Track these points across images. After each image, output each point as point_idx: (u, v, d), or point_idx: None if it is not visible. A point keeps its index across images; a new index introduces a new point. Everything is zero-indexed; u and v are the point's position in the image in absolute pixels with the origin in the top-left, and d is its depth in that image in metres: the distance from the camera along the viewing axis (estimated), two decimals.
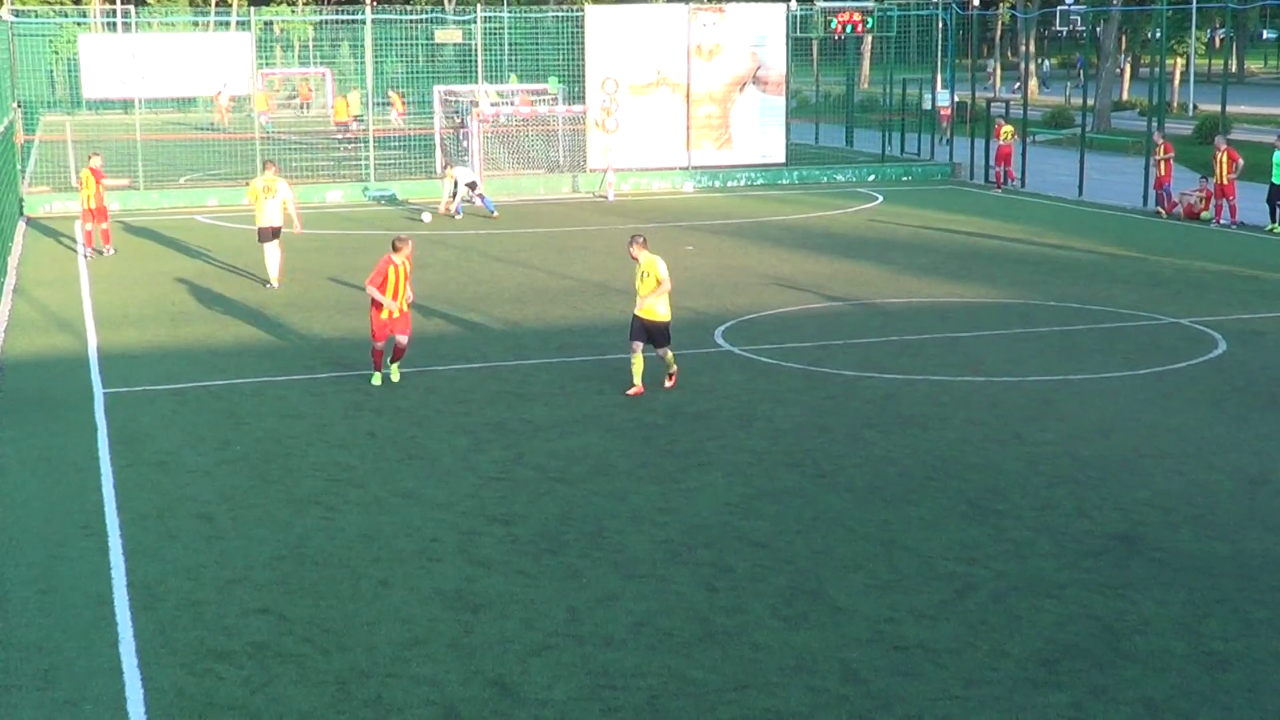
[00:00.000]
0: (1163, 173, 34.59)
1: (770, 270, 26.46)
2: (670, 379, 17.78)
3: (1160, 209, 34.46)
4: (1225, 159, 31.92)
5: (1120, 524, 12.95)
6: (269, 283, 25.07)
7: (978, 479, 14.23)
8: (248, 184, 27.75)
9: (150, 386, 18.16)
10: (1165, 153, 34.24)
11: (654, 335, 17.49)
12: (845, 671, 10.02)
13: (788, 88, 42.86)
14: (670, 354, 17.70)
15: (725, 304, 23.14)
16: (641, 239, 17.81)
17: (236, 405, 17.18)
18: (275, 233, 25.10)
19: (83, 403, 17.41)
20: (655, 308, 17.37)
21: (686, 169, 40.90)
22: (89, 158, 29.94)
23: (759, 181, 41.49)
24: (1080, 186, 38.04)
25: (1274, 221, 31.70)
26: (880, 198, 38.38)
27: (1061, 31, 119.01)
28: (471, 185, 34.40)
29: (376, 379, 18.13)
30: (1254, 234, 31.27)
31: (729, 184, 41.03)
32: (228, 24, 73.39)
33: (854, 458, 14.90)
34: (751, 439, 15.65)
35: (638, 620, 10.84)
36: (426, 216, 32.85)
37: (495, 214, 33.97)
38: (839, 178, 42.48)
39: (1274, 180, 31.62)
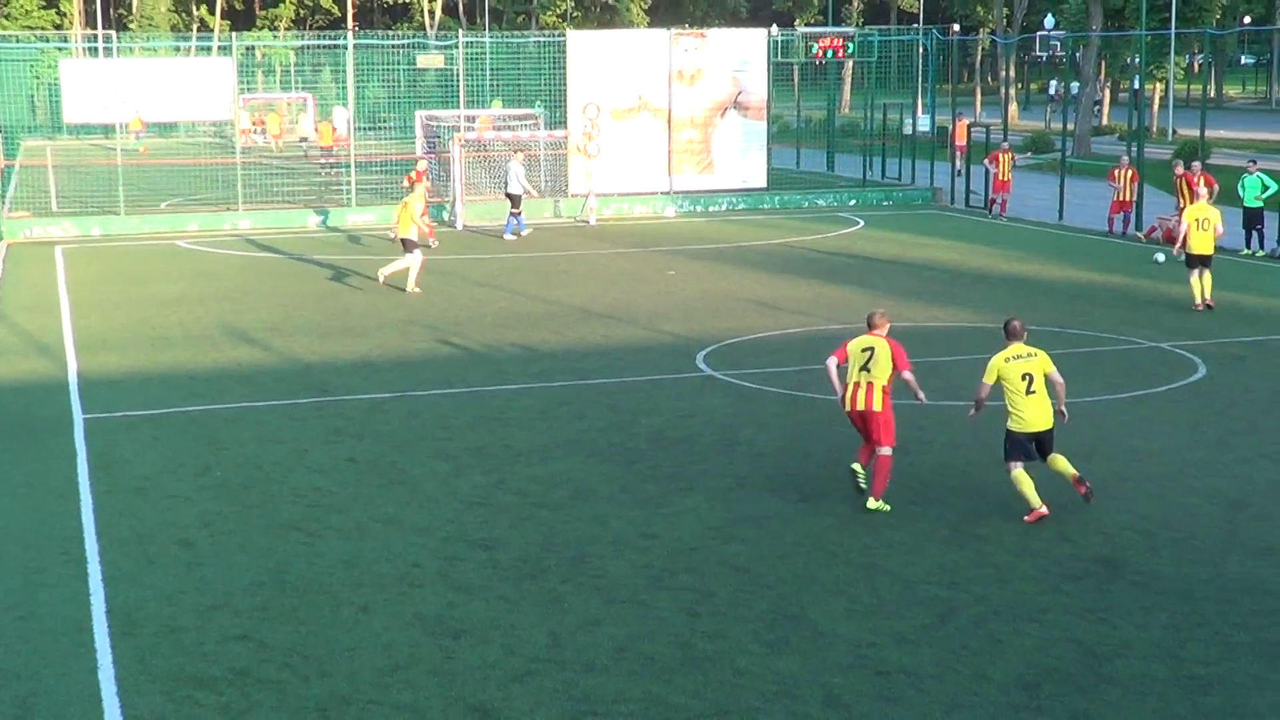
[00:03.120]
0: (1125, 197, 34.80)
1: (752, 295, 26.50)
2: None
3: (1139, 234, 34.62)
4: (1184, 184, 32.06)
5: (1101, 548, 12.97)
6: (406, 289, 26.59)
7: (959, 503, 14.25)
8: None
9: (130, 412, 18.11)
10: (1129, 179, 34.52)
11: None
12: (827, 697, 10.01)
13: (769, 113, 43.01)
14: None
15: (707, 328, 23.16)
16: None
17: (217, 430, 17.14)
18: (404, 244, 26.96)
19: (62, 428, 17.35)
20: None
21: (668, 194, 40.97)
22: None
23: (740, 206, 41.57)
24: (1060, 211, 38.18)
25: (1248, 246, 31.86)
26: (861, 222, 38.48)
27: (1041, 57, 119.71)
28: (514, 200, 34.91)
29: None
30: (1231, 258, 31.40)
31: (710, 209, 41.10)
32: (209, 49, 73.38)
33: (835, 482, 14.89)
34: (733, 463, 15.65)
35: (619, 645, 10.82)
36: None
37: (521, 233, 34.74)
38: (820, 202, 42.58)
39: (1246, 204, 31.80)
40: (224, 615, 11.41)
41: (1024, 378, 13.65)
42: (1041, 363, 13.76)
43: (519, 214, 35.26)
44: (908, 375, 14.01)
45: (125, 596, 11.83)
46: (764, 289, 27.26)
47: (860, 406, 13.91)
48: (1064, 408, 13.93)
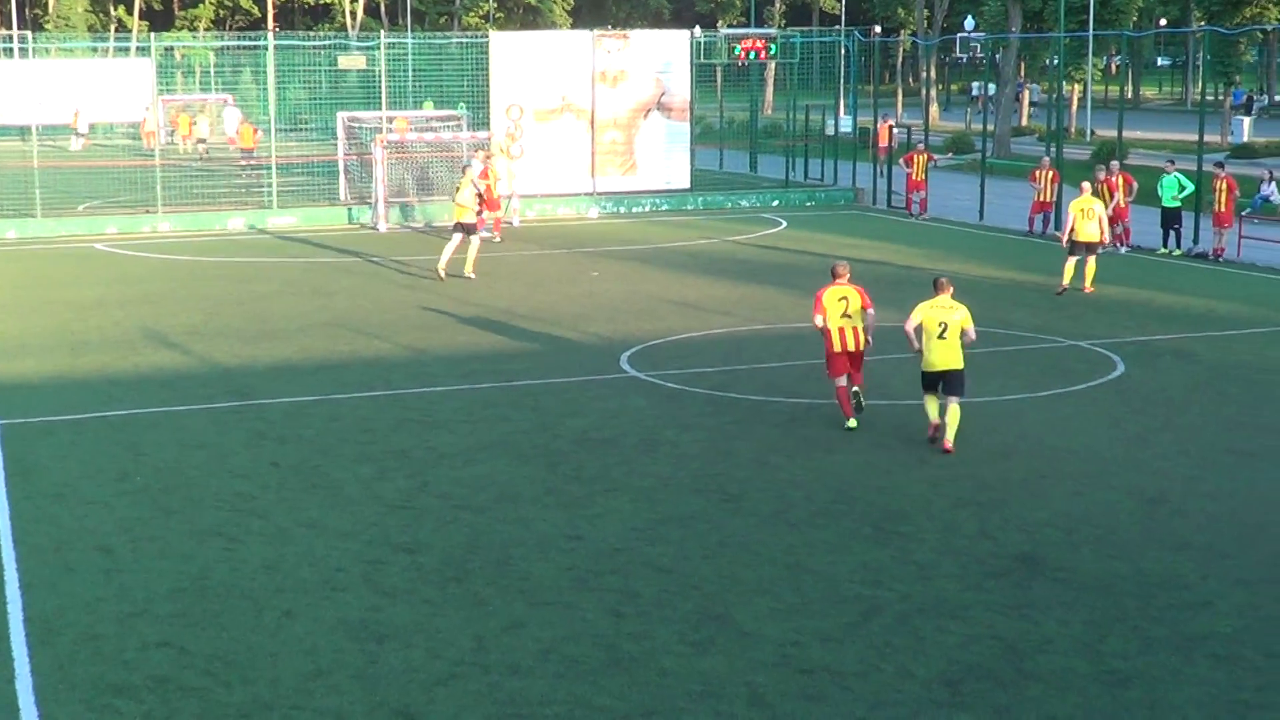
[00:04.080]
0: (1046, 198, 35.20)
1: (675, 295, 26.54)
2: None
3: (1059, 234, 34.97)
4: (1105, 189, 32.48)
5: (1022, 545, 13.10)
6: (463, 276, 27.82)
7: (882, 502, 14.34)
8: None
9: (48, 417, 17.86)
10: (1049, 179, 34.94)
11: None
12: (752, 696, 10.04)
13: (692, 114, 43.08)
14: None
15: (630, 329, 23.18)
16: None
17: (136, 436, 16.94)
18: (462, 227, 28.16)
19: None
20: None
21: (591, 195, 40.96)
22: None
23: (664, 207, 41.62)
24: (981, 211, 38.52)
25: (1165, 245, 32.29)
26: (784, 223, 38.65)
27: (962, 58, 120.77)
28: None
29: None
30: (1148, 257, 31.83)
31: (634, 210, 41.13)
32: (128, 50, 72.55)
33: (759, 482, 14.96)
34: (657, 464, 15.66)
35: (544, 648, 10.80)
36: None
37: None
38: (743, 203, 42.72)
39: (1164, 204, 32.25)
40: (144, 622, 11.28)
41: (939, 325, 16.09)
42: (962, 319, 16.18)
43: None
44: (871, 312, 16.79)
45: (43, 604, 11.67)
46: (688, 290, 27.31)
47: (851, 347, 16.67)
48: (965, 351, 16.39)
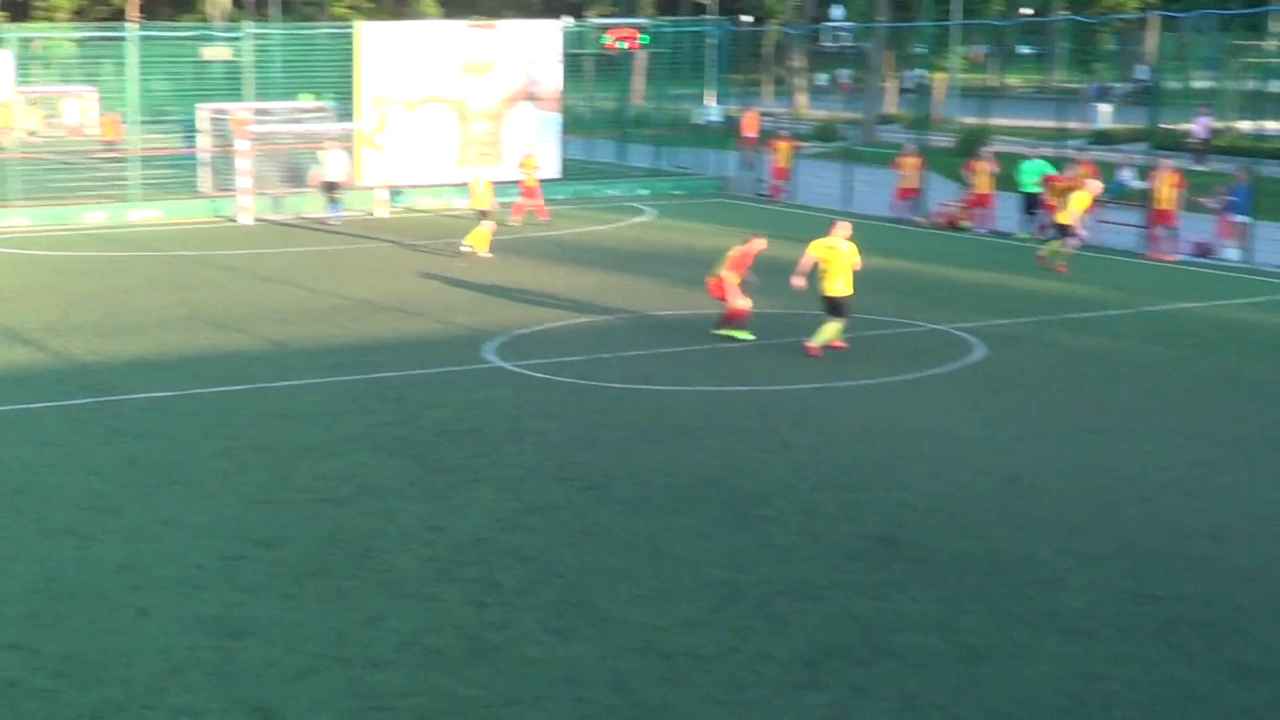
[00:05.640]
0: (911, 184, 35.69)
1: (542, 285, 26.48)
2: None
3: (921, 218, 35.46)
4: (971, 174, 33.00)
5: (881, 526, 13.27)
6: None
7: (744, 486, 14.44)
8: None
9: None
10: (914, 166, 35.45)
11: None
12: (614, 682, 10.06)
13: (562, 104, 42.98)
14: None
15: (497, 319, 23.09)
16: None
17: None
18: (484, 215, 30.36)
19: None
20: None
21: (459, 185, 40.68)
22: None
23: None
24: (847, 198, 38.89)
25: (1028, 231, 32.85)
26: (653, 212, 38.74)
27: (830, 47, 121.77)
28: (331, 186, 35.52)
29: None
30: (1010, 242, 32.37)
31: (503, 200, 40.87)
32: None
33: (623, 470, 14.99)
34: (522, 454, 15.63)
35: (405, 640, 10.74)
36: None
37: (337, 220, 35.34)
38: (612, 192, 42.73)
39: (1024, 189, 32.83)
40: None
41: (824, 260, 20.01)
42: (848, 254, 20.06)
43: (338, 200, 35.69)
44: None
45: None
46: (555, 279, 27.26)
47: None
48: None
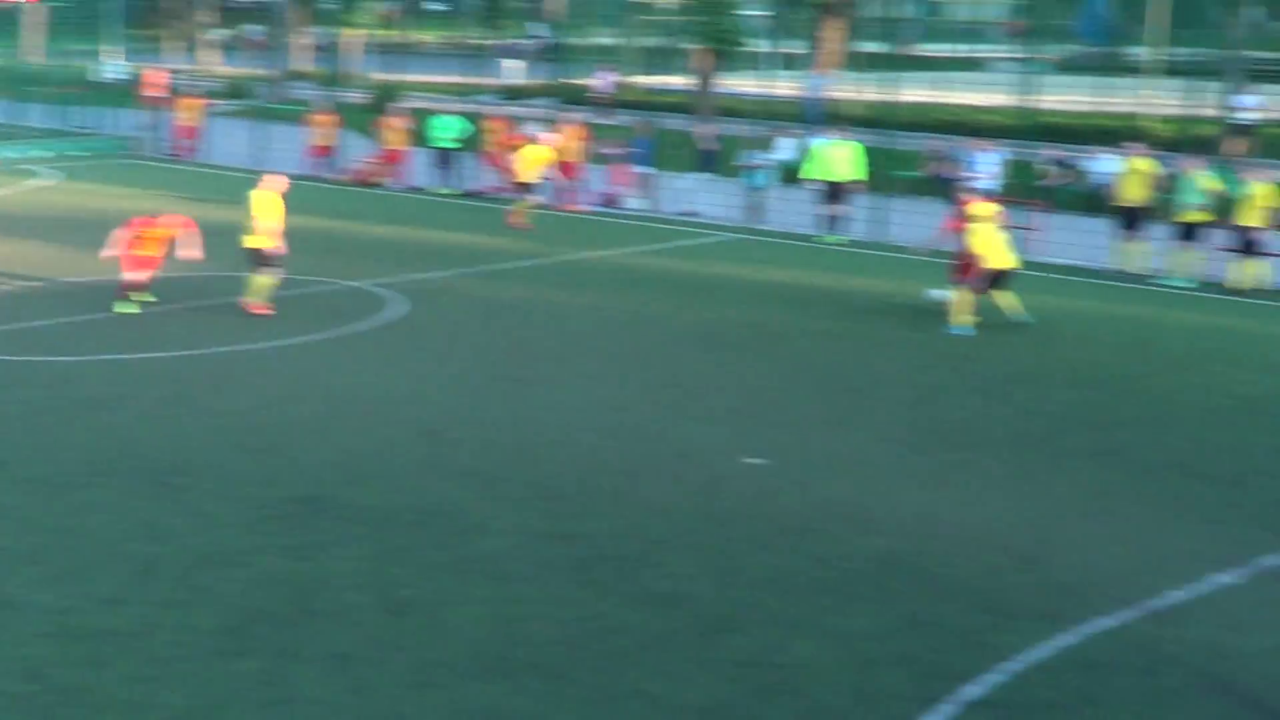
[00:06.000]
0: (325, 142, 35.55)
1: None
2: None
3: (336, 175, 35.29)
4: (384, 131, 33.23)
5: (305, 487, 13.14)
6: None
7: (161, 457, 13.93)
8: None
9: None
10: (328, 123, 35.38)
11: None
12: (26, 670, 9.53)
13: None
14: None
15: None
16: None
17: None
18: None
19: None
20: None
21: None
22: None
23: None
24: (259, 156, 38.13)
25: (444, 184, 33.31)
26: (57, 175, 36.68)
27: (240, 3, 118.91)
28: None
29: None
30: (426, 197, 32.71)
31: None
32: None
33: (28, 447, 14.15)
34: None
35: None
36: None
37: None
38: (9, 154, 40.15)
39: (437, 144, 33.36)
40: None
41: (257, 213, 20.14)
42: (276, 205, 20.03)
43: None
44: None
45: None
46: None
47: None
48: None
